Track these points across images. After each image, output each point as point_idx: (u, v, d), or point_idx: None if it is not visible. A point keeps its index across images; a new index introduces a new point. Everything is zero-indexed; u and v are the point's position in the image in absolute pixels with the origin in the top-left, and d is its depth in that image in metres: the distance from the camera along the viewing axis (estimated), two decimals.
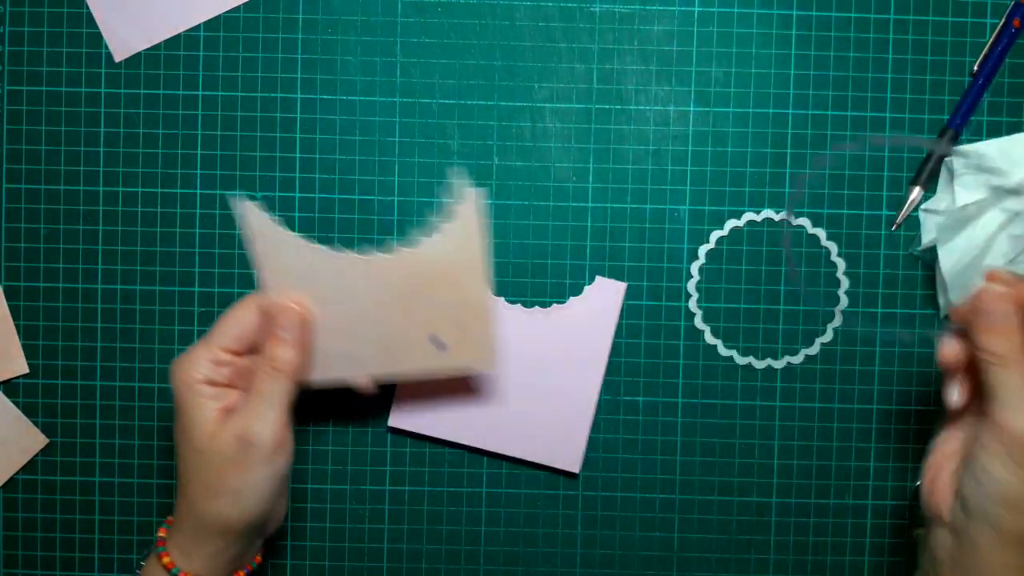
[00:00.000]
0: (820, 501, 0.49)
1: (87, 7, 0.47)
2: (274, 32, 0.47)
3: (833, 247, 0.48)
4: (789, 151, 0.48)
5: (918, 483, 0.45)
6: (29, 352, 0.48)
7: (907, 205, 0.47)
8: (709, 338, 0.48)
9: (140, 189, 0.48)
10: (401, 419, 0.48)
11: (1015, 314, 0.36)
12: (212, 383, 0.40)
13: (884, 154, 0.48)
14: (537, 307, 0.48)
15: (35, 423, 0.48)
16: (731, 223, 0.48)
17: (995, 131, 0.47)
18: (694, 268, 0.48)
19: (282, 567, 0.49)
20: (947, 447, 0.39)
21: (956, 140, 0.47)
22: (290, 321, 0.41)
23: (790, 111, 0.48)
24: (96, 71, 0.48)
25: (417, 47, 0.48)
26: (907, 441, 0.49)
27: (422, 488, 0.49)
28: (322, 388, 0.42)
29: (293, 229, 0.48)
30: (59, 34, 0.47)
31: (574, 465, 0.48)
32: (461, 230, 0.41)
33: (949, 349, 0.39)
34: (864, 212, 0.48)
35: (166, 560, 0.40)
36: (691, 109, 0.48)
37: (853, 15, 0.47)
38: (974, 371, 0.38)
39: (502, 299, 0.48)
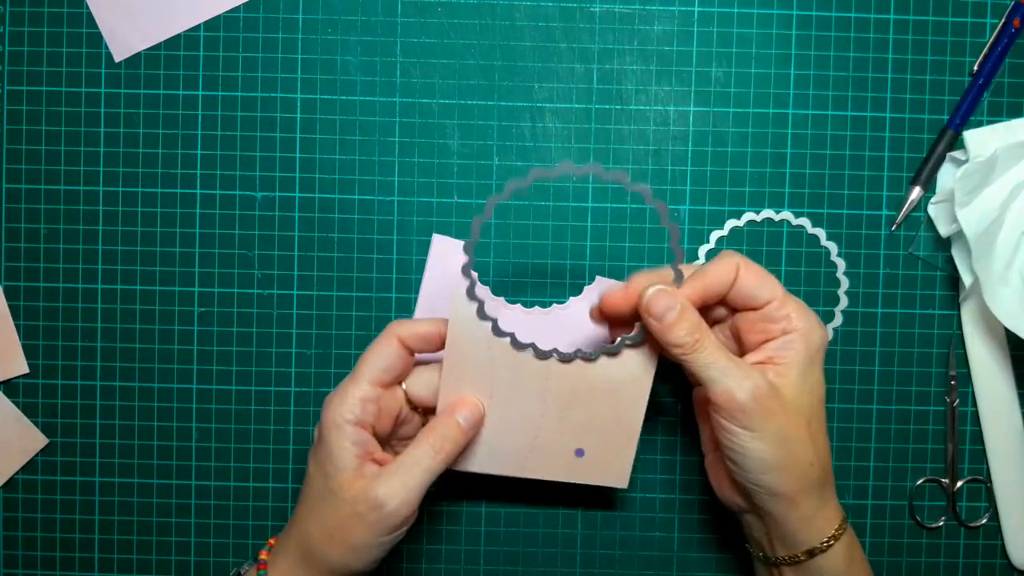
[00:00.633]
0: None
1: (87, 7, 0.47)
2: (274, 32, 0.47)
3: (833, 247, 0.48)
4: (789, 151, 0.48)
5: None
6: (29, 352, 0.48)
7: (907, 205, 0.48)
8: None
9: (140, 189, 0.48)
10: None
11: (678, 303, 0.38)
12: (359, 423, 0.39)
13: (884, 154, 0.48)
14: (537, 307, 0.48)
15: (35, 423, 0.48)
16: (731, 223, 0.48)
17: None
18: (695, 268, 0.48)
19: None
20: (709, 444, 0.43)
21: (956, 140, 0.47)
22: (470, 414, 0.41)
23: (790, 111, 0.48)
24: (96, 71, 0.48)
25: (417, 47, 0.48)
26: (907, 441, 0.49)
27: None
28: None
29: (293, 230, 0.48)
30: (59, 34, 0.47)
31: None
32: (642, 358, 0.41)
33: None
34: (864, 212, 0.48)
35: None
36: (691, 109, 0.48)
37: (853, 15, 0.47)
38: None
39: (502, 299, 0.48)
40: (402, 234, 0.48)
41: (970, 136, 0.46)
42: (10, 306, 0.48)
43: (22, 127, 0.48)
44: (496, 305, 0.42)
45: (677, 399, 0.49)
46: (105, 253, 0.48)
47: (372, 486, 0.38)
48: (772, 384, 0.38)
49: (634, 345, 0.41)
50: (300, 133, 0.48)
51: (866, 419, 0.49)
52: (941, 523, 0.49)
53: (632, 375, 0.41)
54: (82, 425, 0.49)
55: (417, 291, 0.48)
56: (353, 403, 0.39)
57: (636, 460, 0.49)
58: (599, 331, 0.47)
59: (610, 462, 0.43)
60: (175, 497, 0.49)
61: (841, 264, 0.48)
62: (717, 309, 0.41)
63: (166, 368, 0.48)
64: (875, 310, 0.48)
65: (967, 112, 0.47)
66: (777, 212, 0.48)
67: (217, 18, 0.47)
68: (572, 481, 0.43)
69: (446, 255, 0.48)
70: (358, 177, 0.48)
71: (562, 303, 0.48)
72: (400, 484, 0.38)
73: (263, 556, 0.41)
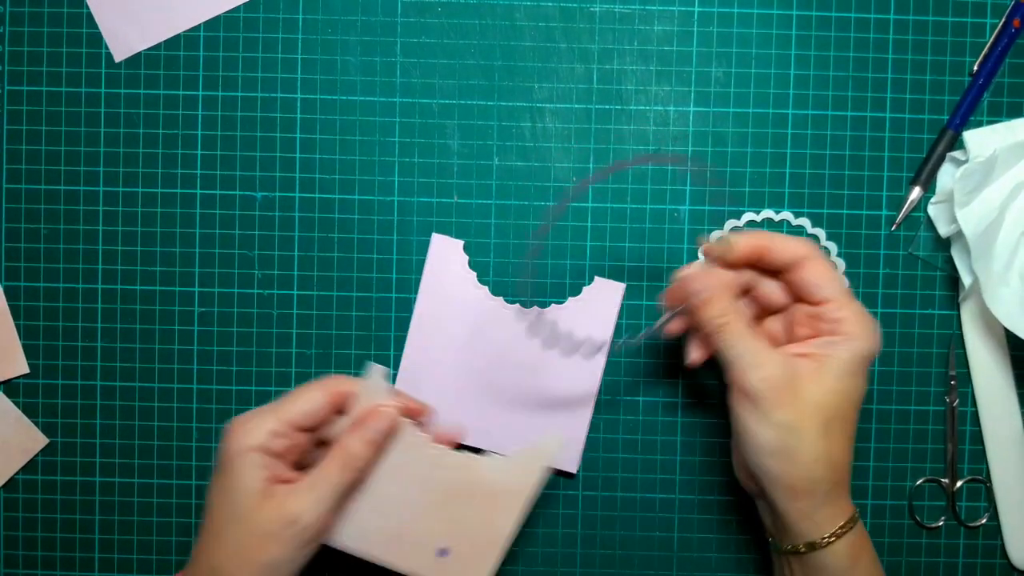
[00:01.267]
0: None
1: (87, 7, 0.47)
2: (274, 32, 0.47)
3: (833, 247, 0.48)
4: (789, 151, 0.48)
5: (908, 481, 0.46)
6: (29, 352, 0.48)
7: (907, 205, 0.48)
8: None
9: (140, 189, 0.48)
10: None
11: (718, 283, 0.40)
12: (266, 451, 0.39)
13: (884, 154, 0.48)
14: (536, 307, 0.48)
15: (35, 423, 0.48)
16: (731, 223, 0.48)
17: None
18: (697, 268, 0.48)
19: None
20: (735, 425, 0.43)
21: (956, 140, 0.47)
22: (380, 424, 0.40)
23: (790, 111, 0.48)
24: (96, 71, 0.48)
25: (417, 47, 0.48)
26: (907, 441, 0.49)
27: None
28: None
29: (293, 230, 0.48)
30: (59, 34, 0.47)
31: (571, 465, 0.48)
32: (526, 463, 0.41)
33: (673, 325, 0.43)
34: (864, 212, 0.48)
35: None
36: (691, 109, 0.48)
37: (853, 15, 0.47)
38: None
39: (501, 299, 0.48)
40: (402, 234, 0.48)
41: (970, 136, 0.46)
42: (10, 306, 0.48)
43: (22, 127, 0.48)
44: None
45: (678, 400, 0.49)
46: (105, 253, 0.48)
47: (284, 503, 0.38)
48: (794, 375, 0.39)
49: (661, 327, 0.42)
50: (300, 133, 0.48)
51: (866, 419, 0.48)
52: (941, 523, 0.49)
53: (516, 483, 0.41)
54: (82, 425, 0.49)
55: (417, 291, 0.48)
56: (260, 432, 0.38)
57: (636, 460, 0.49)
58: (592, 332, 0.47)
59: (470, 568, 0.42)
60: (175, 497, 0.49)
61: (841, 264, 0.48)
62: (774, 292, 0.42)
63: (166, 368, 0.48)
64: (875, 310, 0.48)
65: (967, 112, 0.47)
66: (777, 212, 0.48)
67: (217, 18, 0.47)
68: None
69: (446, 255, 0.48)
70: (358, 177, 0.48)
71: (560, 303, 0.48)
72: (313, 499, 0.38)
73: None
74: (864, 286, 0.48)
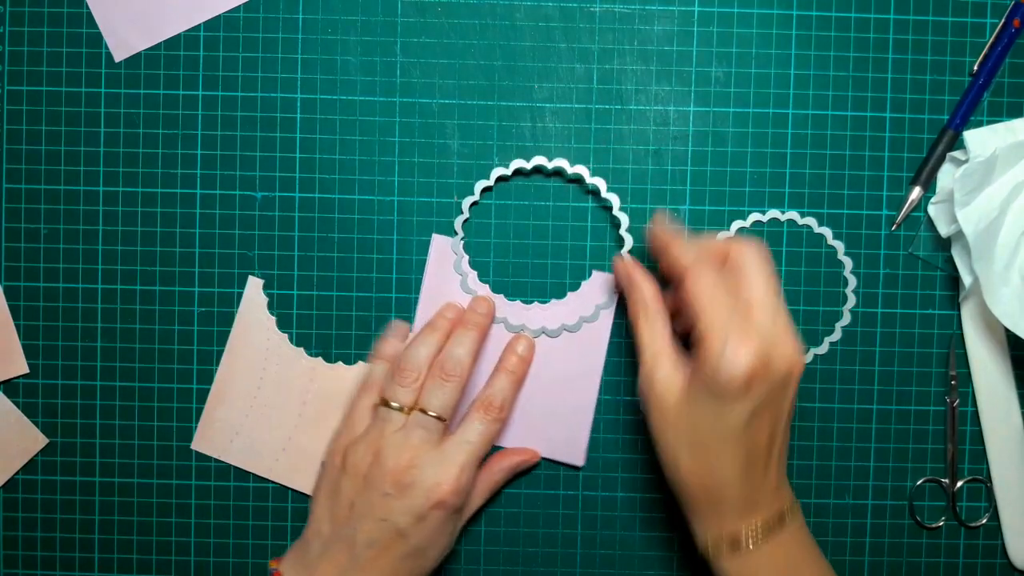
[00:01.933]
0: (820, 501, 0.49)
1: (87, 7, 0.47)
2: (274, 32, 0.47)
3: (840, 246, 0.48)
4: (789, 151, 0.48)
5: (919, 482, 0.46)
6: (29, 352, 0.48)
7: (907, 205, 0.47)
8: None
9: (140, 189, 0.48)
10: None
11: (640, 274, 0.43)
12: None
13: (884, 154, 0.48)
14: (536, 303, 0.48)
15: (35, 423, 0.48)
16: (737, 224, 0.48)
17: None
18: None
19: (247, 565, 0.49)
20: None
21: (956, 140, 0.47)
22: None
23: (790, 111, 0.48)
24: (96, 71, 0.48)
25: (417, 47, 0.48)
26: (907, 441, 0.49)
27: None
28: None
29: (293, 230, 0.48)
30: (59, 34, 0.47)
31: (578, 458, 0.48)
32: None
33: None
34: (864, 212, 0.48)
35: None
36: (691, 109, 0.48)
37: (853, 15, 0.47)
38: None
39: (502, 296, 0.48)
40: (402, 234, 0.48)
41: (970, 136, 0.46)
42: (10, 306, 0.48)
43: (22, 127, 0.48)
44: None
45: None
46: (105, 253, 0.48)
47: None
48: (671, 386, 0.39)
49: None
50: (300, 133, 0.48)
51: (866, 419, 0.49)
52: (941, 523, 0.49)
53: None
54: (82, 425, 0.49)
55: (417, 291, 0.48)
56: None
57: (636, 460, 0.49)
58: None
59: None
60: (175, 497, 0.49)
61: (848, 263, 0.48)
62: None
63: (166, 368, 0.48)
64: (875, 310, 0.48)
65: (967, 112, 0.47)
66: (783, 212, 0.48)
67: (217, 18, 0.47)
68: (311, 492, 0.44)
69: (446, 255, 0.48)
70: (358, 177, 0.48)
71: (561, 299, 0.48)
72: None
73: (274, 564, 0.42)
74: (864, 286, 0.48)
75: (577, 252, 0.48)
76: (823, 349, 0.48)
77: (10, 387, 0.48)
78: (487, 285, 0.48)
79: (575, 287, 0.48)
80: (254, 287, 0.48)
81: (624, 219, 0.47)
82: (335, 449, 0.43)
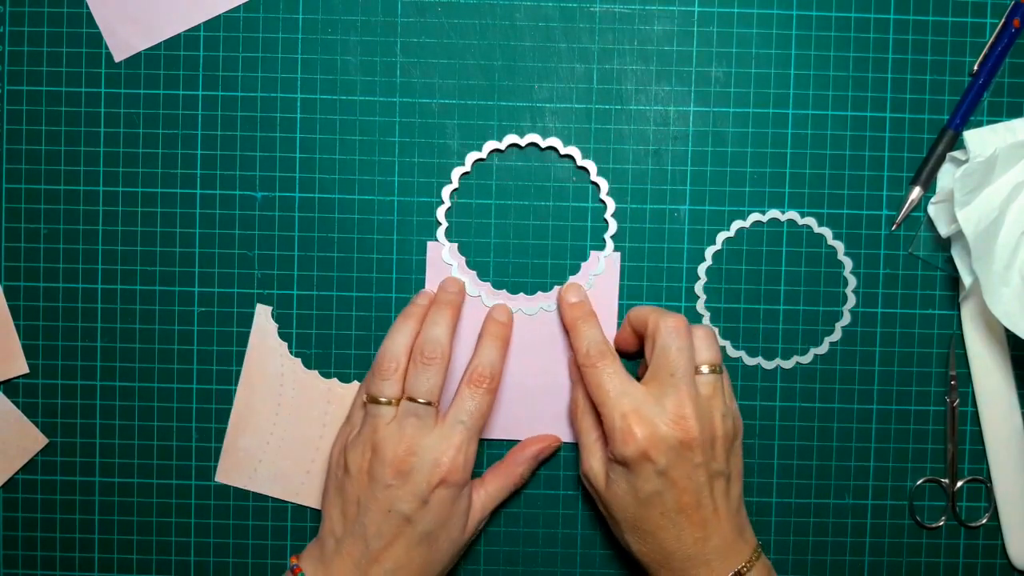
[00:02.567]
0: (820, 501, 0.49)
1: (87, 7, 0.47)
2: (274, 32, 0.47)
3: (840, 246, 0.48)
4: (789, 151, 0.48)
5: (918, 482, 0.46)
6: (29, 352, 0.48)
7: (907, 205, 0.47)
8: (719, 339, 0.48)
9: (140, 189, 0.48)
10: None
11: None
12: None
13: (884, 154, 0.48)
14: (540, 292, 0.48)
15: (35, 423, 0.48)
16: (737, 224, 0.48)
17: None
18: (701, 269, 0.48)
19: (247, 565, 0.49)
20: None
21: (956, 140, 0.47)
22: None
23: (790, 111, 0.48)
24: (96, 71, 0.48)
25: (417, 47, 0.48)
26: (907, 441, 0.49)
27: None
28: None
29: (293, 230, 0.48)
30: (59, 34, 0.47)
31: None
32: None
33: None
34: (864, 212, 0.48)
35: None
36: (691, 109, 0.48)
37: (853, 15, 0.47)
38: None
39: (504, 291, 0.48)
40: (402, 234, 0.48)
41: (970, 136, 0.46)
42: (10, 306, 0.48)
43: (22, 127, 0.48)
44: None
45: None
46: (105, 253, 0.48)
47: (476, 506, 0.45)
48: (589, 473, 0.44)
49: None
50: (300, 133, 0.48)
51: (866, 419, 0.49)
52: (941, 523, 0.49)
53: None
54: (82, 425, 0.49)
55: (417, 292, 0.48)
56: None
57: None
58: (598, 305, 0.48)
59: None
60: (175, 497, 0.49)
61: (848, 263, 0.48)
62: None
63: (166, 368, 0.48)
64: (875, 310, 0.48)
65: (967, 112, 0.47)
66: (783, 212, 0.48)
67: (217, 18, 0.47)
68: None
69: (442, 260, 0.48)
70: (358, 177, 0.48)
71: (561, 283, 0.48)
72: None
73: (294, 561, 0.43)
74: (864, 286, 0.48)
75: (577, 252, 0.48)
76: (823, 349, 0.48)
77: (10, 387, 0.48)
78: (488, 284, 0.48)
79: (560, 280, 0.48)
80: (263, 315, 0.48)
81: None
82: (336, 451, 0.44)
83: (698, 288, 0.48)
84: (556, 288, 0.48)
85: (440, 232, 0.48)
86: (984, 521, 0.49)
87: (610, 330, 0.47)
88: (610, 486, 0.42)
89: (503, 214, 0.48)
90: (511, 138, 0.47)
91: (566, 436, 0.48)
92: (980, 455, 0.49)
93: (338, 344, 0.48)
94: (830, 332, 0.48)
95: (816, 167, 0.48)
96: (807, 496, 0.49)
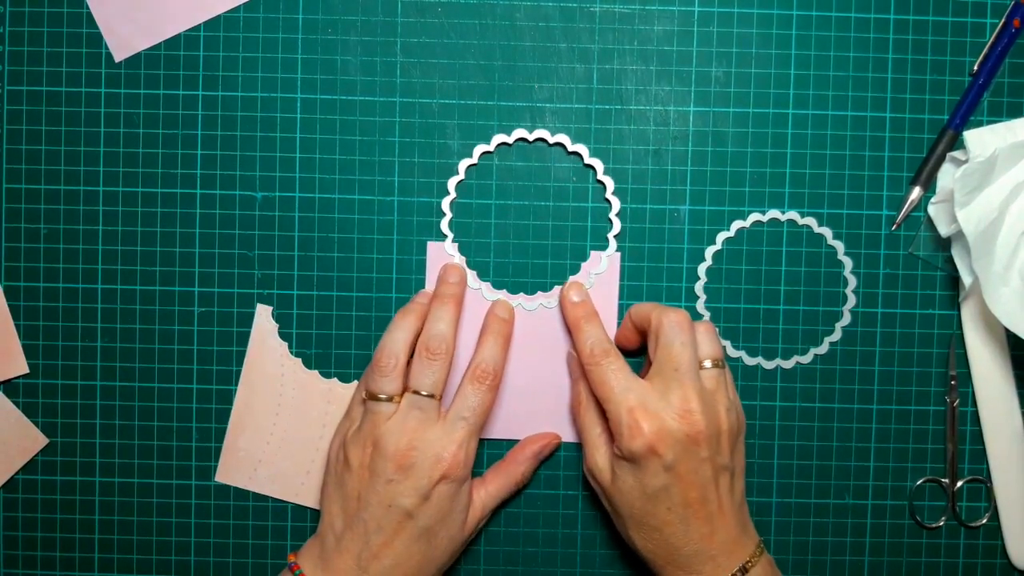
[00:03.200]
0: (820, 501, 0.49)
1: (87, 7, 0.47)
2: (274, 32, 0.47)
3: (840, 246, 0.48)
4: (789, 151, 0.48)
5: (918, 483, 0.46)
6: (29, 352, 0.48)
7: (907, 205, 0.48)
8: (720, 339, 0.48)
9: (140, 189, 0.48)
10: None
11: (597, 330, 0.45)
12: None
13: (884, 154, 0.48)
14: (540, 292, 0.48)
15: (35, 423, 0.48)
16: (737, 224, 0.48)
17: None
18: (701, 269, 0.48)
19: (247, 565, 0.49)
20: None
21: (956, 140, 0.47)
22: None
23: (790, 111, 0.48)
24: (96, 71, 0.48)
25: (417, 47, 0.48)
26: (907, 441, 0.49)
27: None
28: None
29: (293, 230, 0.48)
30: (59, 34, 0.47)
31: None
32: None
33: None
34: (864, 212, 0.48)
35: None
36: (691, 109, 0.48)
37: (853, 15, 0.47)
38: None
39: (504, 291, 0.48)
40: (402, 234, 0.48)
41: (970, 136, 0.46)
42: (10, 306, 0.48)
43: (22, 127, 0.48)
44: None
45: None
46: (105, 253, 0.48)
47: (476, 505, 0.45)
48: (594, 469, 0.44)
49: None
50: (300, 133, 0.48)
51: (866, 419, 0.49)
52: (941, 523, 0.49)
53: None
54: (82, 425, 0.49)
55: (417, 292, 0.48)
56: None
57: None
58: (598, 303, 0.48)
59: None
60: (175, 497, 0.49)
61: (848, 263, 0.48)
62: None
63: (166, 368, 0.48)
64: (875, 310, 0.48)
65: (967, 112, 0.47)
66: (783, 212, 0.48)
67: (217, 18, 0.47)
68: None
69: (441, 260, 0.48)
70: (358, 177, 0.48)
71: (561, 283, 0.48)
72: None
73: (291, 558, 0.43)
74: (864, 286, 0.48)
75: (577, 252, 0.48)
76: (823, 349, 0.48)
77: (10, 387, 0.48)
78: (488, 283, 0.48)
79: (560, 280, 0.48)
80: (263, 315, 0.48)
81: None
82: (335, 446, 0.44)
83: (698, 288, 0.48)
84: (556, 288, 0.48)
85: (444, 223, 0.47)
86: (984, 521, 0.49)
87: (610, 330, 0.47)
88: (615, 482, 0.42)
89: (503, 214, 0.48)
90: (520, 132, 0.47)
91: (566, 434, 0.48)
92: (980, 455, 0.49)
93: (338, 344, 0.48)
94: (830, 332, 0.48)
95: (816, 167, 0.48)
96: (807, 496, 0.49)
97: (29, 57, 0.47)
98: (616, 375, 0.42)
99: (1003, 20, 0.47)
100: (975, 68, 0.47)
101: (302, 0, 0.47)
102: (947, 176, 0.47)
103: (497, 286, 0.48)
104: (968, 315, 0.48)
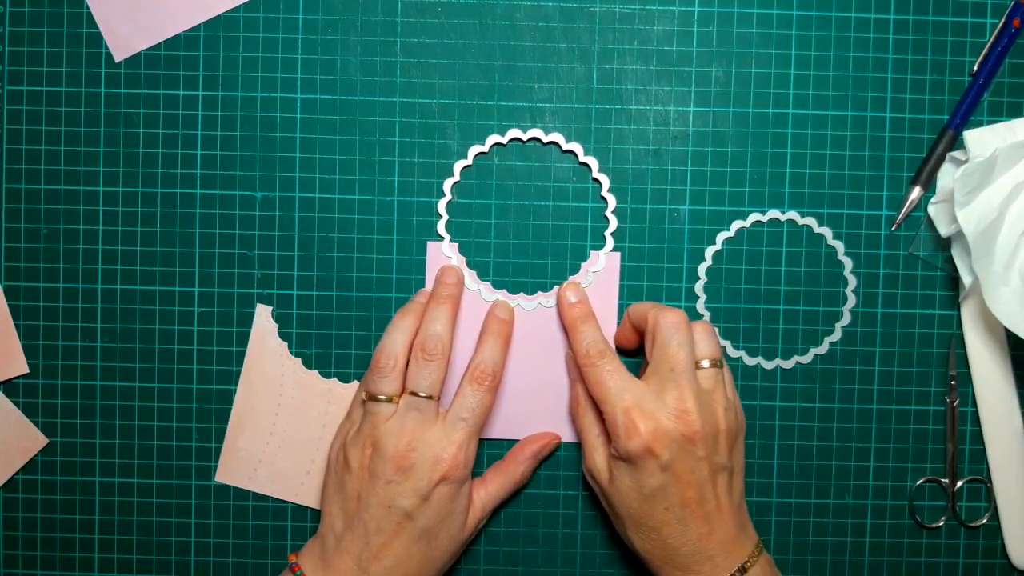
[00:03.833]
0: (820, 501, 0.49)
1: (87, 7, 0.47)
2: (274, 32, 0.47)
3: (840, 246, 0.48)
4: (789, 151, 0.48)
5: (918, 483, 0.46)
6: (29, 352, 0.48)
7: (907, 205, 0.48)
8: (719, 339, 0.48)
9: (140, 189, 0.48)
10: None
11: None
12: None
13: (884, 154, 0.48)
14: (539, 292, 0.48)
15: (35, 423, 0.48)
16: (737, 224, 0.48)
17: None
18: (701, 269, 0.48)
19: (247, 565, 0.49)
20: None
21: (956, 140, 0.47)
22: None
23: (790, 111, 0.48)
24: (96, 71, 0.48)
25: (417, 47, 0.48)
26: (907, 441, 0.49)
27: None
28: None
29: (293, 230, 0.48)
30: (59, 34, 0.47)
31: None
32: None
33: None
34: (864, 212, 0.48)
35: None
36: (691, 109, 0.48)
37: (853, 15, 0.47)
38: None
39: (504, 291, 0.48)
40: (402, 234, 0.48)
41: (970, 136, 0.46)
42: (10, 306, 0.48)
43: (22, 127, 0.48)
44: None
45: None
46: (105, 253, 0.48)
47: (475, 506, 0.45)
48: (593, 469, 0.44)
49: None
50: (300, 133, 0.48)
51: (866, 419, 0.49)
52: (941, 523, 0.49)
53: None
54: (82, 425, 0.49)
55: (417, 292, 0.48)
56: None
57: None
58: (597, 305, 0.48)
59: None
60: (175, 497, 0.49)
61: (848, 263, 0.48)
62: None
63: (166, 368, 0.48)
64: (875, 310, 0.48)
65: (967, 112, 0.47)
66: (783, 212, 0.48)
67: (217, 18, 0.47)
68: None
69: (440, 260, 0.48)
70: (358, 177, 0.48)
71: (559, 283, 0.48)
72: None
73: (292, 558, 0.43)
74: (864, 286, 0.48)
75: (577, 252, 0.48)
76: (823, 349, 0.48)
77: (10, 387, 0.48)
78: (488, 283, 0.48)
79: (560, 280, 0.48)
80: (263, 315, 0.48)
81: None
82: (335, 448, 0.44)
83: (698, 288, 0.48)
84: (556, 288, 0.48)
85: (440, 225, 0.48)
86: (984, 521, 0.49)
87: (609, 329, 0.47)
88: (613, 482, 0.42)
89: (503, 214, 0.48)
90: (514, 132, 0.47)
91: (566, 434, 0.48)
92: (980, 455, 0.49)
93: (338, 344, 0.48)
94: (830, 332, 0.48)
95: (816, 167, 0.48)
96: (807, 496, 0.49)
97: (29, 57, 0.47)
98: (612, 376, 0.42)
99: (1003, 20, 0.47)
100: (975, 68, 0.47)
101: (302, 0, 0.47)
102: (947, 176, 0.47)
103: (497, 286, 0.48)
104: (968, 315, 0.48)
